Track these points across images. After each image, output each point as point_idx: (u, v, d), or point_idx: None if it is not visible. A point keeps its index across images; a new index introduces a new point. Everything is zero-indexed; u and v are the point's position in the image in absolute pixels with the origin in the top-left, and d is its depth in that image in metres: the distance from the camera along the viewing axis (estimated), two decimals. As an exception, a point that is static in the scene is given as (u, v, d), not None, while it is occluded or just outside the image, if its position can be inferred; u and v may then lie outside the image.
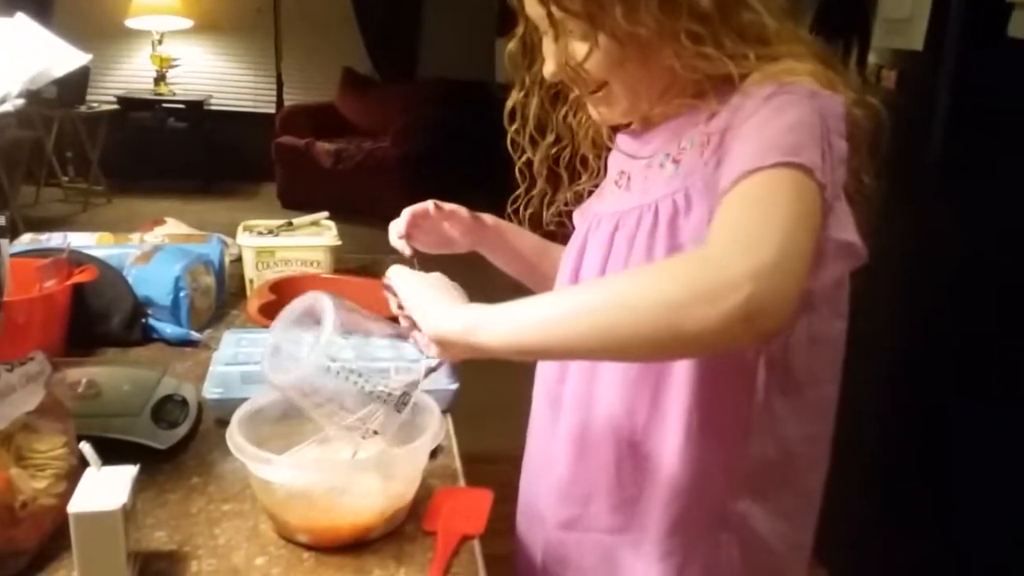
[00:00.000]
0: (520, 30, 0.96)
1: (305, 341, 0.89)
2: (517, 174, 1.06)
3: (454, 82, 6.52)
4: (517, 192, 1.08)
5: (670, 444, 0.90)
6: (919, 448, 2.14)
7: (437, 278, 0.90)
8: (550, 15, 0.86)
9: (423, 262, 1.04)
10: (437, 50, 6.81)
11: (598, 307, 0.71)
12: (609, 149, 1.05)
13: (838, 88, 0.81)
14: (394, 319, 0.94)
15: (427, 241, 1.13)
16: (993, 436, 2.09)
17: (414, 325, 0.88)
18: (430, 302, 0.85)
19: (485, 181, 6.27)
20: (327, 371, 0.86)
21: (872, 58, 2.22)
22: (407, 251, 1.10)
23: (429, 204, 1.11)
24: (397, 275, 0.92)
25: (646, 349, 0.71)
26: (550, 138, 1.04)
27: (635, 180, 0.95)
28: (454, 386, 1.21)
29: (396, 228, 1.10)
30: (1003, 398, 2.08)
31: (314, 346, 0.86)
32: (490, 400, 1.75)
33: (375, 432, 0.92)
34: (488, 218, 1.15)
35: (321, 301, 0.89)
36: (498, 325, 0.77)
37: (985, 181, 1.97)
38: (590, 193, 1.07)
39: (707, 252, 0.69)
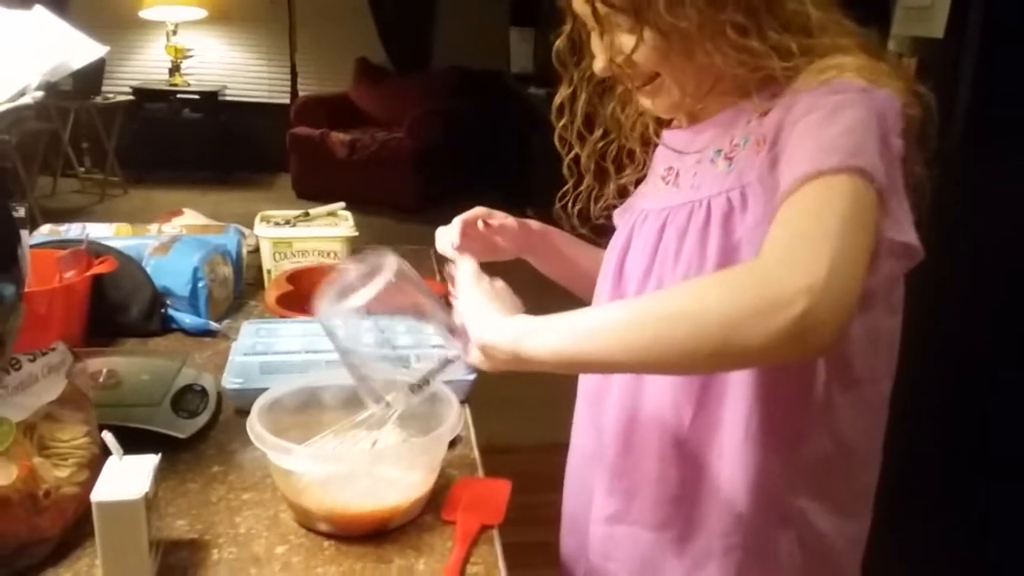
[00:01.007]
0: (567, 27, 0.96)
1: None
2: (565, 170, 1.06)
3: (468, 72, 6.52)
4: (565, 188, 1.08)
5: (726, 443, 0.89)
6: (947, 446, 2.12)
7: (501, 287, 0.89)
8: (595, 11, 0.86)
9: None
10: (451, 40, 6.80)
11: (650, 321, 0.71)
12: (656, 143, 1.04)
13: (884, 81, 0.80)
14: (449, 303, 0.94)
15: (474, 248, 1.08)
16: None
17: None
18: (483, 307, 0.84)
19: (499, 171, 6.29)
20: (363, 320, 0.88)
21: (892, 46, 2.20)
22: (457, 258, 1.09)
23: (479, 218, 1.09)
24: (463, 269, 0.91)
25: (699, 363, 0.72)
26: (598, 133, 1.04)
27: (684, 176, 0.95)
28: (472, 376, 1.21)
29: (448, 236, 1.06)
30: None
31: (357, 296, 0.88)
32: (508, 390, 1.75)
33: (388, 403, 0.93)
34: (534, 224, 1.14)
35: (385, 261, 0.89)
36: (547, 336, 0.77)
37: (1007, 170, 1.95)
38: (636, 185, 1.07)
39: (762, 265, 0.69)
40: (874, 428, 0.94)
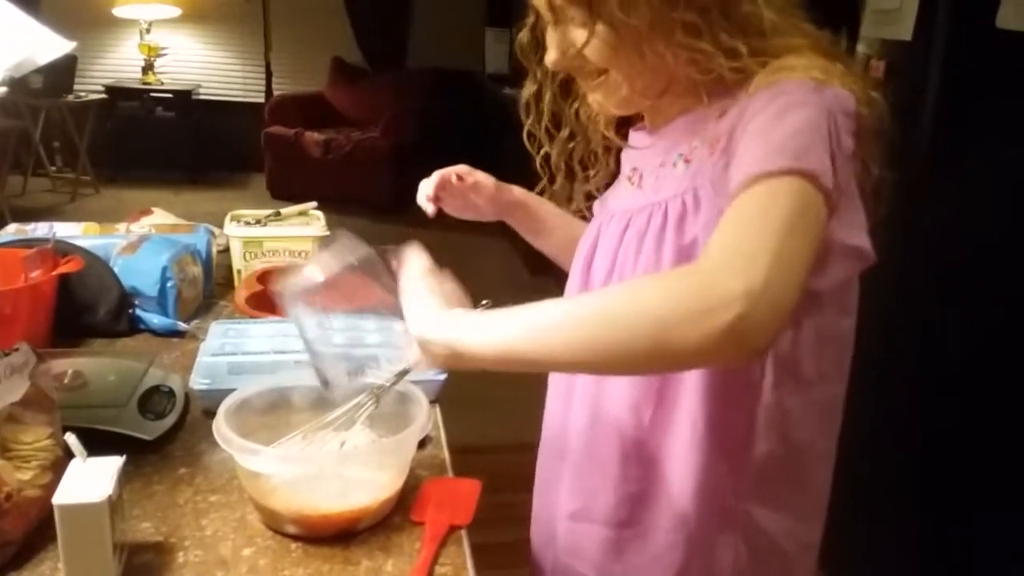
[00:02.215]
0: (531, 20, 0.96)
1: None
2: (538, 167, 1.07)
3: (444, 72, 6.51)
4: (540, 186, 1.09)
5: (676, 444, 0.89)
6: (910, 448, 2.14)
7: (450, 286, 0.87)
8: (550, 3, 0.86)
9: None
10: (427, 40, 6.79)
11: (587, 320, 0.70)
12: (617, 147, 1.04)
13: (836, 81, 0.79)
14: None
15: (454, 205, 1.15)
16: (986, 433, 2.09)
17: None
18: (423, 300, 0.83)
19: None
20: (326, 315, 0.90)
21: (861, 48, 2.22)
22: (430, 210, 1.14)
23: (455, 172, 1.13)
24: (411, 263, 0.88)
25: (635, 364, 0.72)
26: (565, 132, 1.04)
27: (647, 178, 0.95)
28: (442, 376, 1.21)
29: (424, 189, 1.12)
30: (996, 397, 2.08)
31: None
32: (478, 390, 1.75)
33: (326, 383, 0.95)
34: (517, 192, 1.16)
35: (351, 244, 0.89)
36: (485, 334, 0.76)
37: (974, 171, 1.97)
38: (606, 186, 1.06)
39: (700, 268, 0.69)
40: (826, 430, 0.94)
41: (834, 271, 0.80)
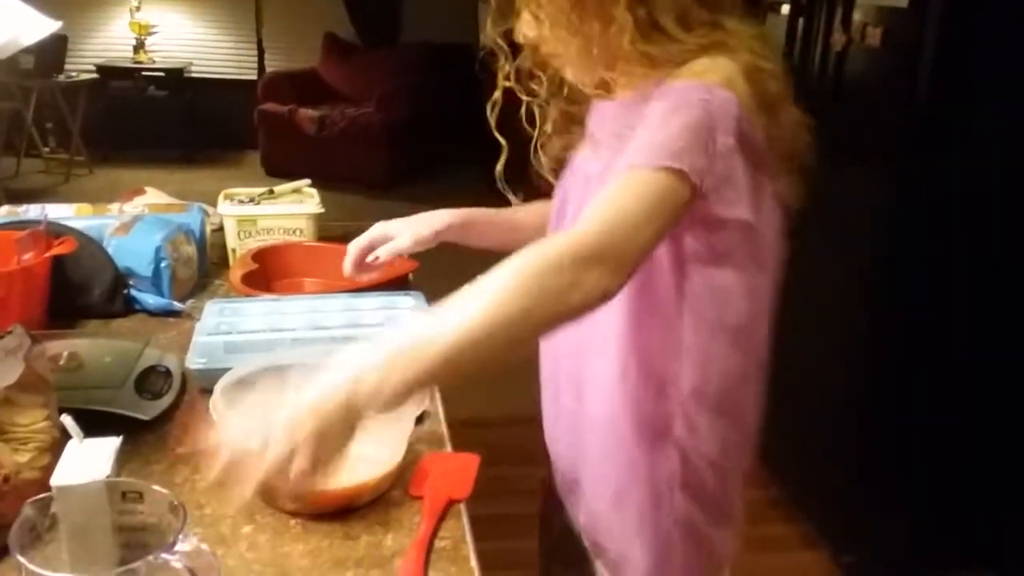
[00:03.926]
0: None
1: None
2: (525, 118, 1.11)
3: (437, 46, 6.45)
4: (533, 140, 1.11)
5: (606, 369, 0.98)
6: (927, 439, 2.13)
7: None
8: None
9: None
10: (420, 14, 6.72)
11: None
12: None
13: (735, 85, 0.87)
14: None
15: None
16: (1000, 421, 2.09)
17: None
18: (270, 410, 0.79)
19: (469, 145, 6.24)
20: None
21: (857, 15, 2.20)
22: (364, 279, 1.30)
23: (367, 246, 1.25)
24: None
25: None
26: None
27: (601, 146, 1.00)
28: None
29: (346, 265, 1.26)
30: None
31: None
32: (477, 365, 1.75)
33: None
34: (456, 217, 1.23)
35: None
36: (389, 370, 0.77)
37: (970, 138, 1.96)
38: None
39: (572, 243, 0.81)
40: (754, 368, 1.01)
41: (726, 236, 0.92)
